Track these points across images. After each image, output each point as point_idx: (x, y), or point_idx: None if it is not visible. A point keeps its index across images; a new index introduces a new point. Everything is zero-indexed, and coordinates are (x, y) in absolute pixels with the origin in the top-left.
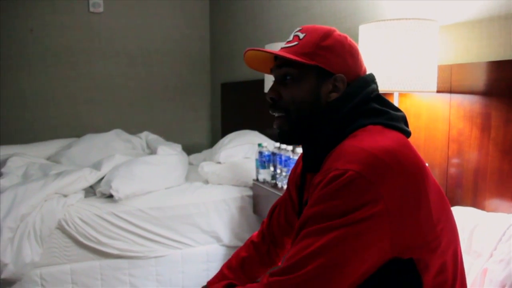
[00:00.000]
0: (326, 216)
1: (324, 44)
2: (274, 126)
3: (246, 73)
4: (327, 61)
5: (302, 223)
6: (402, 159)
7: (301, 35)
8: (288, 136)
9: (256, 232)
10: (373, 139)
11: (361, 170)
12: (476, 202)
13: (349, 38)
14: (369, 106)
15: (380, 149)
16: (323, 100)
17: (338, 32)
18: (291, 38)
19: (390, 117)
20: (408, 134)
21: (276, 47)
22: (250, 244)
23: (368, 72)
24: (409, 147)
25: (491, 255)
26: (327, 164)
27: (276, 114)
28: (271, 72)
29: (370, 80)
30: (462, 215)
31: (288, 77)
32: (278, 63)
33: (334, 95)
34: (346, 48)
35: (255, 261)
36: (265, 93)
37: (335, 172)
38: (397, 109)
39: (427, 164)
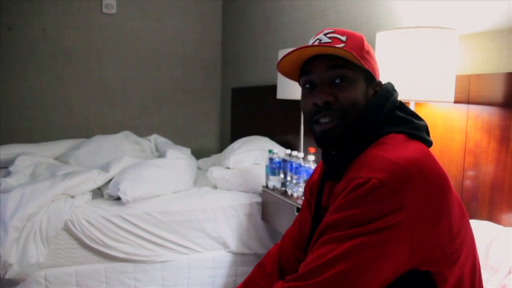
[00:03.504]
0: (347, 223)
1: (366, 48)
2: (318, 129)
3: (257, 79)
4: (371, 65)
5: (322, 229)
6: (425, 170)
7: (342, 37)
8: (336, 140)
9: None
10: (397, 149)
11: (385, 178)
12: (492, 215)
13: None
14: (394, 114)
15: (404, 159)
16: (369, 105)
17: None
18: (326, 39)
19: (414, 126)
20: (430, 144)
21: None
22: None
23: (381, 78)
24: (432, 158)
25: (510, 272)
26: (351, 172)
27: (327, 120)
28: (308, 74)
29: (391, 88)
30: (477, 228)
31: (345, 79)
32: (331, 64)
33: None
34: (374, 54)
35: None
36: (277, 99)
37: (358, 180)
38: (420, 118)
39: None
